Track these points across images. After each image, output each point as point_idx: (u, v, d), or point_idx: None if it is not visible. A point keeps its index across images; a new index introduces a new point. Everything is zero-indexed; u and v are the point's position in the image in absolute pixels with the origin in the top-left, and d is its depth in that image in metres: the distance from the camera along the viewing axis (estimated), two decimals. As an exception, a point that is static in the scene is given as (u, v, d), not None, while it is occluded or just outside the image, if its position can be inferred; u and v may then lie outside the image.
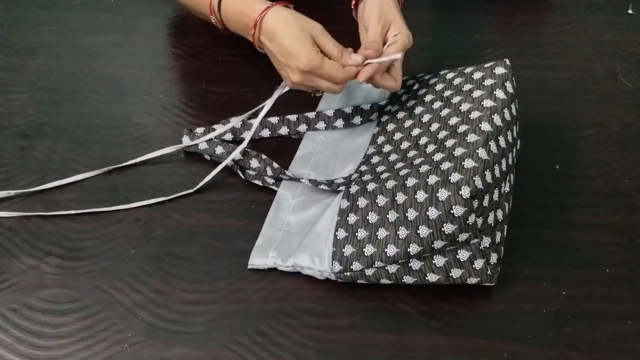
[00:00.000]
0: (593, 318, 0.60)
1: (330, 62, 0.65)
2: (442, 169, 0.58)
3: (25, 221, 0.67)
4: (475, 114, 0.62)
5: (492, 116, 0.61)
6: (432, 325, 0.60)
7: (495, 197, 0.58)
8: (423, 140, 0.64)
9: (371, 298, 0.61)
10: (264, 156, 0.71)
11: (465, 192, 0.55)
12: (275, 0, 0.69)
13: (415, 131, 0.66)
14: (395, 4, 0.70)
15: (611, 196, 0.69)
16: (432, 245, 0.57)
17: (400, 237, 0.57)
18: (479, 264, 0.58)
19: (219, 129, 0.73)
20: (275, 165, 0.70)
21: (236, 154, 0.70)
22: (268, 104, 0.70)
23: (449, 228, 0.56)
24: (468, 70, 0.68)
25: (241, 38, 0.88)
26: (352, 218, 0.61)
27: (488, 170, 0.57)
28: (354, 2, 0.75)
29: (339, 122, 0.76)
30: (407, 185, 0.59)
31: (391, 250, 0.58)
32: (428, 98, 0.69)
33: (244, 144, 0.70)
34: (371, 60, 0.66)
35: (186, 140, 0.73)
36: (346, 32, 0.89)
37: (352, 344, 0.58)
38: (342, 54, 0.66)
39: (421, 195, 0.57)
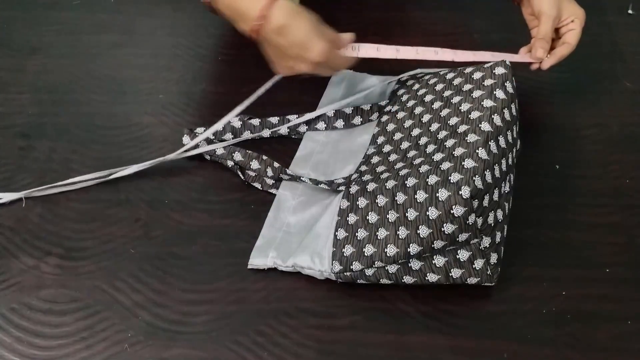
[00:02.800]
0: (593, 318, 0.60)
1: (338, 53, 0.67)
2: (442, 169, 0.58)
3: (25, 221, 0.67)
4: (475, 114, 0.62)
5: (492, 116, 0.61)
6: (432, 325, 0.60)
7: (495, 197, 0.58)
8: (423, 140, 0.64)
9: (371, 298, 0.61)
10: (264, 157, 0.71)
11: (465, 192, 0.55)
12: None
13: (415, 131, 0.66)
14: None
15: (611, 196, 0.69)
16: (432, 245, 0.57)
17: (400, 237, 0.57)
18: (479, 264, 0.58)
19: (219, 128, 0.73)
20: (276, 164, 0.70)
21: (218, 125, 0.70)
22: (259, 91, 0.71)
23: (449, 228, 0.56)
24: (468, 70, 0.68)
25: (241, 38, 0.88)
26: (352, 218, 0.61)
27: (488, 170, 0.57)
28: None
29: (339, 123, 0.76)
30: (407, 185, 0.59)
31: (391, 250, 0.58)
32: (428, 98, 0.69)
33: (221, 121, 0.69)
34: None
35: (186, 140, 0.73)
36: (346, 32, 0.90)
37: (352, 344, 0.58)
38: (341, 41, 0.68)
39: (421, 195, 0.57)
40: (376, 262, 0.58)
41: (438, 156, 0.60)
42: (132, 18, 0.90)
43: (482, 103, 0.63)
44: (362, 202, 0.61)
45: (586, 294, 0.62)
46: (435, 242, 0.56)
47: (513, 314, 0.60)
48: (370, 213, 0.60)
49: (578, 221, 0.67)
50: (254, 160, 0.70)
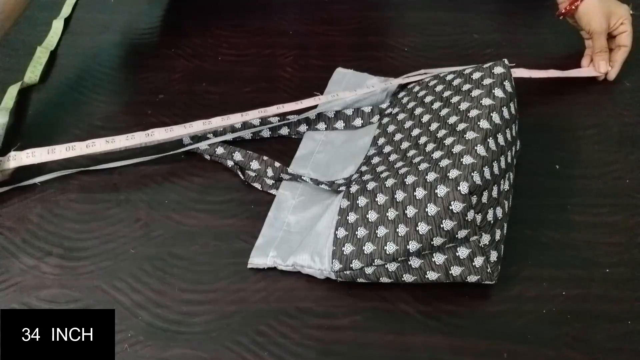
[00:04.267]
0: (593, 318, 0.60)
1: None
2: (440, 165, 0.58)
3: (25, 221, 0.67)
4: (474, 112, 0.62)
5: (491, 114, 0.61)
6: (432, 325, 0.59)
7: (495, 194, 0.58)
8: (423, 139, 0.65)
9: (371, 298, 0.61)
10: (265, 157, 0.71)
11: (464, 187, 0.55)
12: None
13: (415, 131, 0.67)
14: None
15: (611, 196, 0.69)
16: (432, 242, 0.57)
17: (399, 234, 0.58)
18: (478, 261, 0.58)
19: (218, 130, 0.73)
20: (277, 164, 0.70)
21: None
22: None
23: (448, 224, 0.56)
24: (467, 71, 0.68)
25: (241, 38, 0.89)
26: (352, 217, 0.61)
27: (487, 167, 0.57)
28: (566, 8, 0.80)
29: (340, 124, 0.76)
30: (406, 183, 0.59)
31: (391, 247, 0.58)
32: (428, 99, 0.69)
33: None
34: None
35: (186, 140, 0.73)
36: (346, 32, 0.90)
37: (352, 344, 0.58)
38: None
39: (420, 192, 0.57)
40: (376, 260, 0.58)
41: (437, 154, 0.60)
42: (132, 18, 0.90)
43: (480, 101, 0.63)
44: (362, 201, 0.61)
45: (586, 294, 0.62)
46: (434, 238, 0.56)
47: (513, 314, 0.60)
48: (370, 212, 0.60)
49: (578, 221, 0.67)
50: (254, 160, 0.70)
